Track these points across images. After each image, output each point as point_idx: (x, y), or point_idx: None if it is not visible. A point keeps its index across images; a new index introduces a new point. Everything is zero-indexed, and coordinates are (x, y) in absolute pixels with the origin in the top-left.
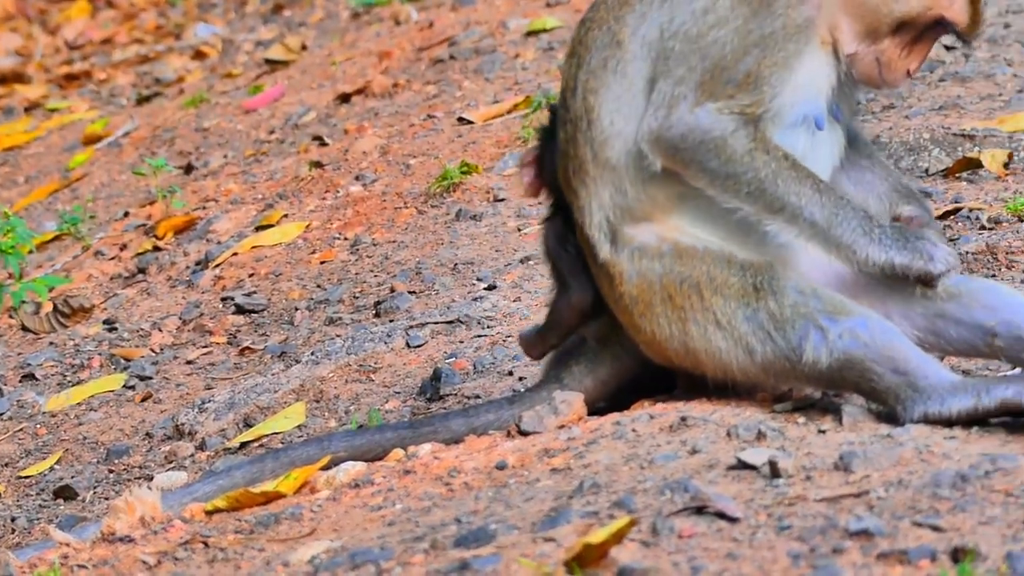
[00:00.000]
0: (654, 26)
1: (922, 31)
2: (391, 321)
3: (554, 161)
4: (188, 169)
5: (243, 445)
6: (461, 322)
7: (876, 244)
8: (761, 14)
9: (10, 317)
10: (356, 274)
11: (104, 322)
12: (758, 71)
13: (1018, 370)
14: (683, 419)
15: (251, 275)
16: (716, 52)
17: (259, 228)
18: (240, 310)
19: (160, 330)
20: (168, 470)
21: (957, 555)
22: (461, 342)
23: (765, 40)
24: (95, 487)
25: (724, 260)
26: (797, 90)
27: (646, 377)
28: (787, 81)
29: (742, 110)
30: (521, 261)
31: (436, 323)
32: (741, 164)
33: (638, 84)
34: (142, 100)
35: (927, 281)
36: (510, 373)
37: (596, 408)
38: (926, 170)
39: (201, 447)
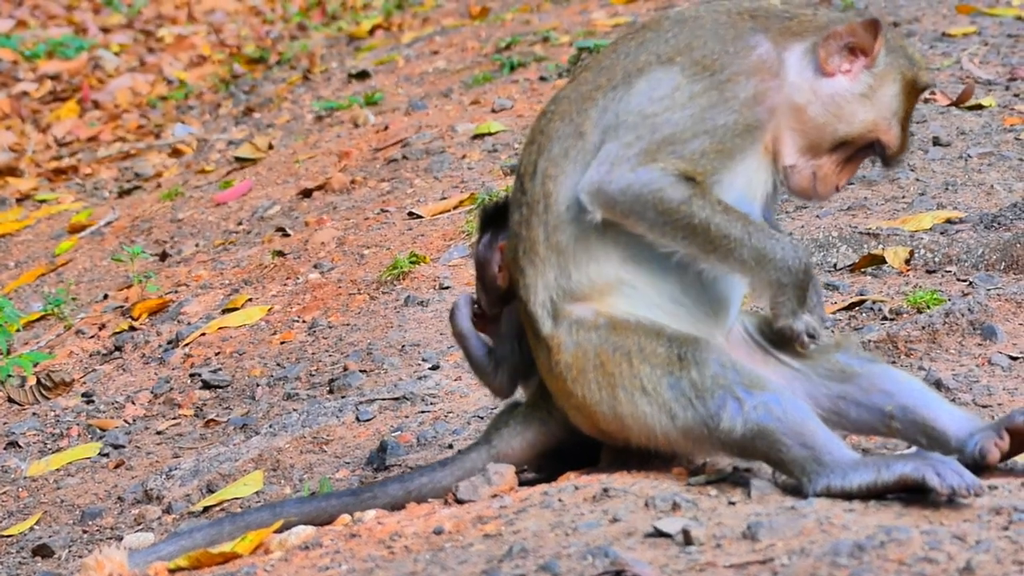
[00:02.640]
0: (613, 115)
1: (857, 151)
2: (343, 397)
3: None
4: (163, 256)
5: (206, 509)
6: (407, 399)
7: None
8: (718, 106)
9: None
10: (313, 354)
11: (83, 395)
12: (703, 151)
13: (914, 448)
14: (605, 490)
15: (217, 354)
16: (667, 129)
17: (226, 311)
18: (206, 385)
19: (133, 403)
20: (136, 531)
21: None
22: (406, 417)
23: (716, 129)
24: (70, 546)
25: (654, 332)
26: (735, 184)
27: (571, 445)
28: (728, 170)
29: (684, 172)
30: None
31: (384, 399)
32: (677, 213)
33: None
34: (123, 193)
35: (791, 334)
36: (450, 446)
37: (526, 479)
38: (834, 265)
39: (167, 510)
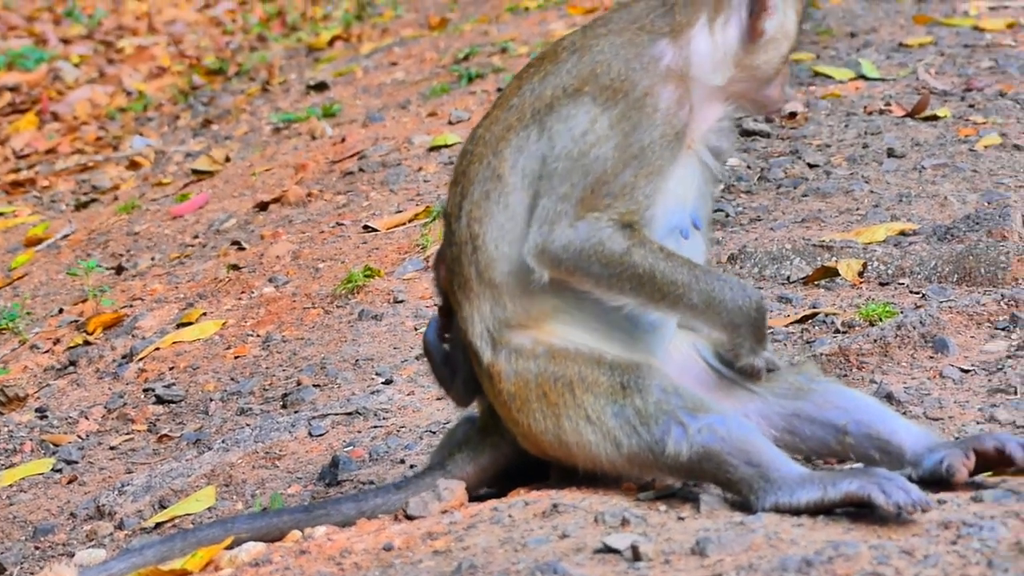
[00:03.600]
0: (533, 158)
1: None
2: (296, 412)
3: None
4: (119, 270)
5: (158, 525)
6: (360, 413)
7: (747, 330)
8: (641, 126)
9: None
10: (266, 368)
11: (36, 410)
12: (635, 182)
13: (861, 464)
14: (555, 506)
15: (171, 368)
16: (598, 168)
17: (180, 325)
18: (160, 400)
19: (87, 418)
20: (88, 548)
21: None
22: (359, 432)
23: (644, 151)
24: (22, 563)
25: (594, 361)
26: (669, 197)
27: (523, 466)
28: (660, 190)
29: (620, 217)
30: (416, 358)
31: (337, 414)
32: (620, 264)
33: (520, 213)
34: (80, 206)
35: (751, 372)
36: (402, 461)
37: (478, 494)
38: (788, 278)
39: (120, 526)
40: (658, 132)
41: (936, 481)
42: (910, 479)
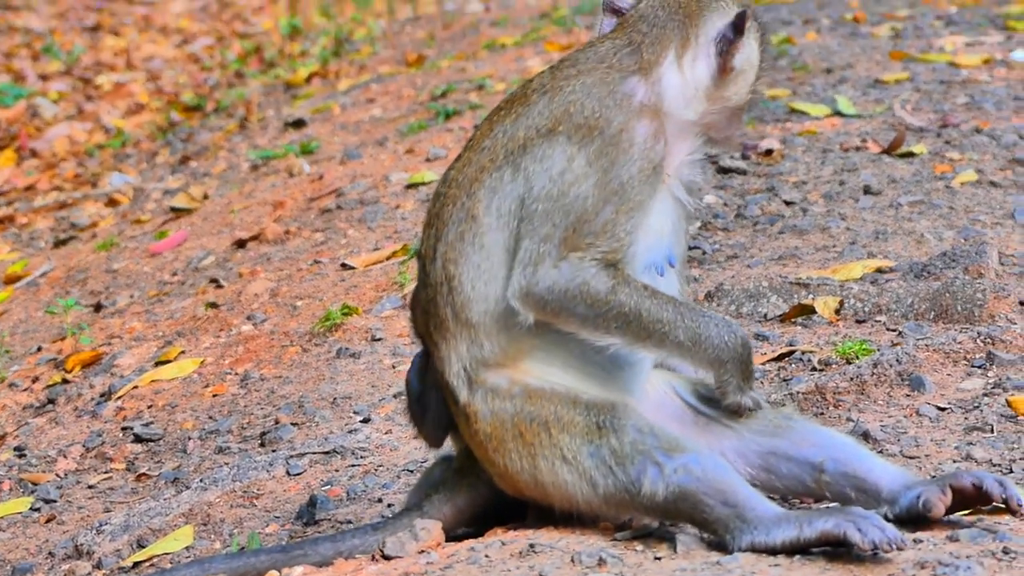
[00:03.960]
0: (509, 198)
1: None
2: (274, 451)
3: None
4: (97, 308)
5: (135, 564)
6: (337, 452)
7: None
8: (619, 162)
9: None
10: (245, 407)
11: (15, 448)
12: (616, 219)
13: (836, 504)
14: (532, 546)
15: (150, 407)
16: (578, 206)
17: (158, 363)
18: (138, 439)
19: (65, 456)
20: None
21: None
22: (337, 471)
23: (623, 187)
24: None
25: (570, 401)
26: (649, 234)
27: (500, 506)
28: (641, 226)
29: (603, 256)
30: (395, 396)
31: (315, 453)
32: (606, 304)
33: (496, 253)
34: (59, 243)
35: (737, 410)
36: (379, 500)
37: (455, 534)
38: (764, 315)
39: (98, 566)
40: (636, 167)
41: (913, 519)
42: (886, 518)
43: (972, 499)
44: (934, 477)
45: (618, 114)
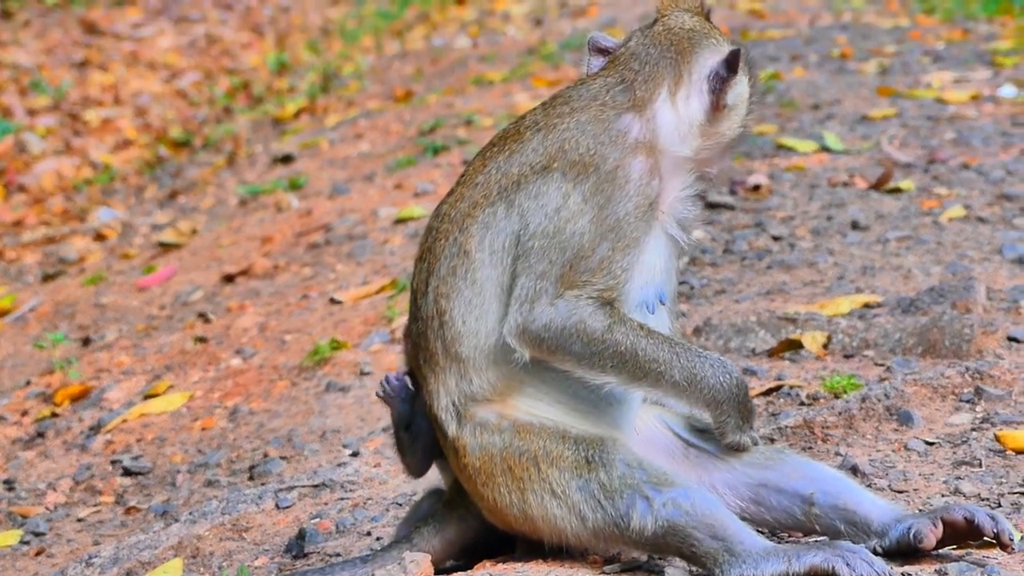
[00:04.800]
0: (502, 235)
1: None
2: (263, 484)
3: None
4: (86, 342)
5: None
6: (326, 486)
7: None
8: (615, 199)
9: None
10: (233, 440)
11: (4, 482)
12: (612, 256)
13: (825, 537)
14: None
15: (139, 440)
16: (575, 243)
17: (147, 397)
18: (127, 472)
19: (55, 490)
20: None
21: None
22: (326, 504)
23: (619, 223)
24: None
25: (559, 435)
26: (643, 271)
27: (489, 538)
28: (636, 262)
29: (599, 294)
30: (383, 430)
31: (304, 486)
32: (602, 342)
33: (488, 289)
34: (47, 278)
35: (737, 448)
36: (368, 533)
37: (444, 567)
38: (752, 350)
39: None
40: (632, 204)
41: (903, 551)
42: (875, 551)
43: (963, 533)
44: (923, 511)
45: (613, 151)
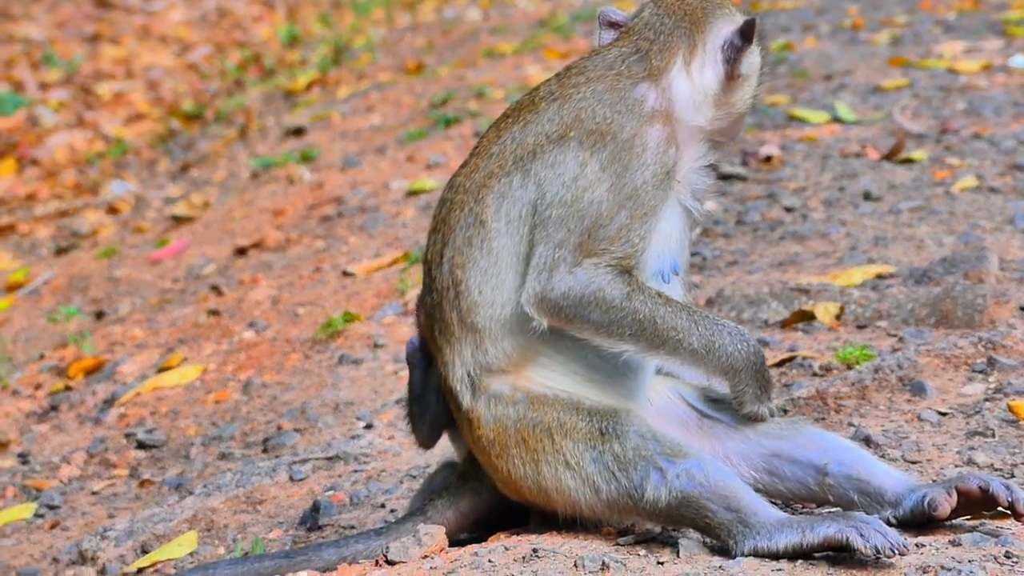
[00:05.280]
0: (519, 204)
1: None
2: (277, 457)
3: None
4: (99, 315)
5: (140, 570)
6: (340, 458)
7: (748, 375)
8: (632, 167)
9: None
10: (247, 413)
11: (18, 455)
12: (630, 223)
13: (839, 509)
14: (535, 551)
15: (152, 413)
16: (593, 211)
17: (161, 370)
18: (141, 445)
19: (69, 463)
20: None
21: None
22: (340, 476)
23: (637, 191)
24: None
25: (573, 407)
26: (660, 240)
27: (503, 511)
28: (653, 231)
29: (617, 262)
30: (396, 402)
31: (317, 459)
32: (621, 310)
33: (504, 258)
34: (60, 251)
35: (755, 418)
36: (382, 505)
37: (458, 539)
38: (765, 321)
39: (102, 572)
40: (650, 172)
41: (917, 521)
42: (889, 522)
43: (978, 502)
44: (937, 481)
45: (630, 119)
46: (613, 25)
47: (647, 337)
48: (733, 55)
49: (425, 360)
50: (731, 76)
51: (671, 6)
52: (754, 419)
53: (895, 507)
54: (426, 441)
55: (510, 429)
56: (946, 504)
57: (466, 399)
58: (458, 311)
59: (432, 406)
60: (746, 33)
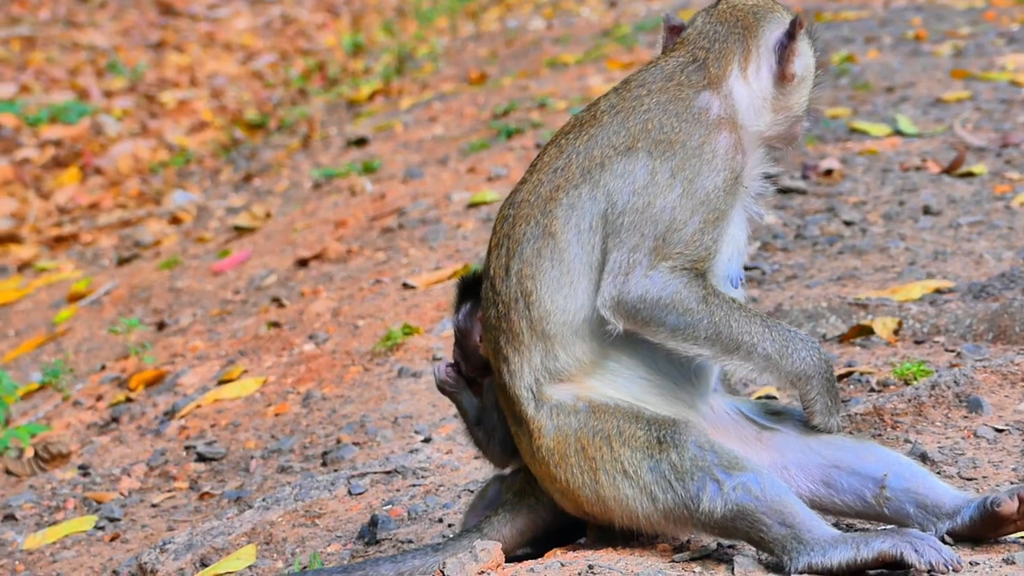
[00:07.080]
0: (589, 215)
1: None
2: (336, 470)
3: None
4: (160, 326)
5: None
6: (399, 472)
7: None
8: (703, 173)
9: None
10: (307, 426)
11: (79, 467)
12: (703, 228)
13: (893, 526)
14: (591, 567)
15: (212, 426)
16: (666, 217)
17: (221, 382)
18: (201, 458)
19: (129, 475)
20: None
21: None
22: (398, 490)
23: (709, 196)
24: None
25: (633, 416)
26: (729, 244)
27: (560, 527)
28: (725, 234)
29: (692, 265)
30: (455, 416)
31: (376, 473)
32: (697, 313)
33: (576, 267)
34: (122, 261)
35: (824, 430)
36: (440, 520)
37: (515, 555)
38: (823, 336)
39: None
40: (720, 178)
41: (975, 531)
42: (943, 539)
43: None
44: (978, 491)
45: (698, 128)
46: (674, 30)
47: (722, 341)
48: (785, 55)
49: (464, 382)
50: (785, 76)
51: (723, 13)
52: (822, 431)
53: (953, 518)
54: (502, 461)
55: (570, 438)
56: (1010, 503)
57: (530, 408)
58: (528, 320)
59: (497, 425)
60: (792, 30)
